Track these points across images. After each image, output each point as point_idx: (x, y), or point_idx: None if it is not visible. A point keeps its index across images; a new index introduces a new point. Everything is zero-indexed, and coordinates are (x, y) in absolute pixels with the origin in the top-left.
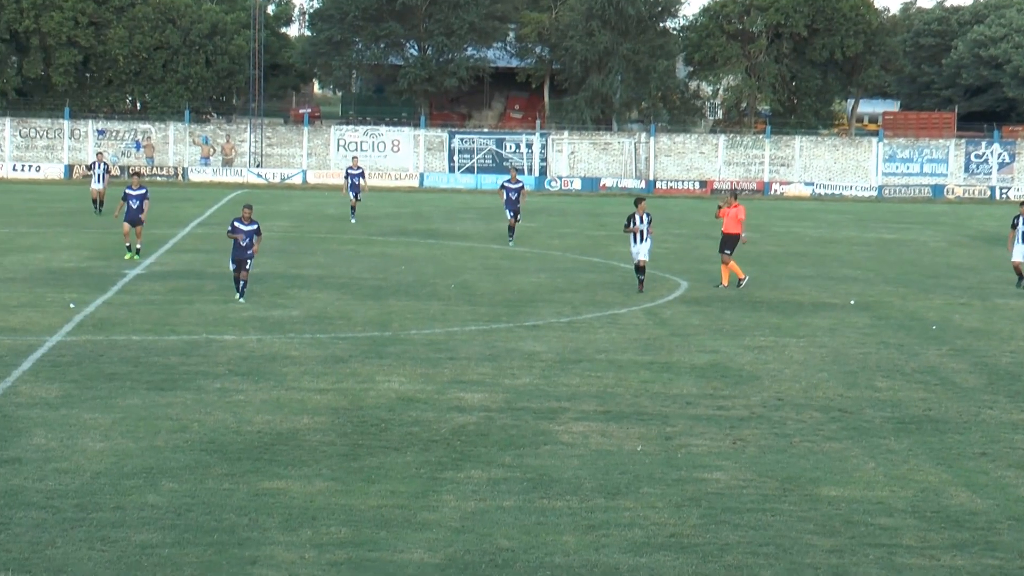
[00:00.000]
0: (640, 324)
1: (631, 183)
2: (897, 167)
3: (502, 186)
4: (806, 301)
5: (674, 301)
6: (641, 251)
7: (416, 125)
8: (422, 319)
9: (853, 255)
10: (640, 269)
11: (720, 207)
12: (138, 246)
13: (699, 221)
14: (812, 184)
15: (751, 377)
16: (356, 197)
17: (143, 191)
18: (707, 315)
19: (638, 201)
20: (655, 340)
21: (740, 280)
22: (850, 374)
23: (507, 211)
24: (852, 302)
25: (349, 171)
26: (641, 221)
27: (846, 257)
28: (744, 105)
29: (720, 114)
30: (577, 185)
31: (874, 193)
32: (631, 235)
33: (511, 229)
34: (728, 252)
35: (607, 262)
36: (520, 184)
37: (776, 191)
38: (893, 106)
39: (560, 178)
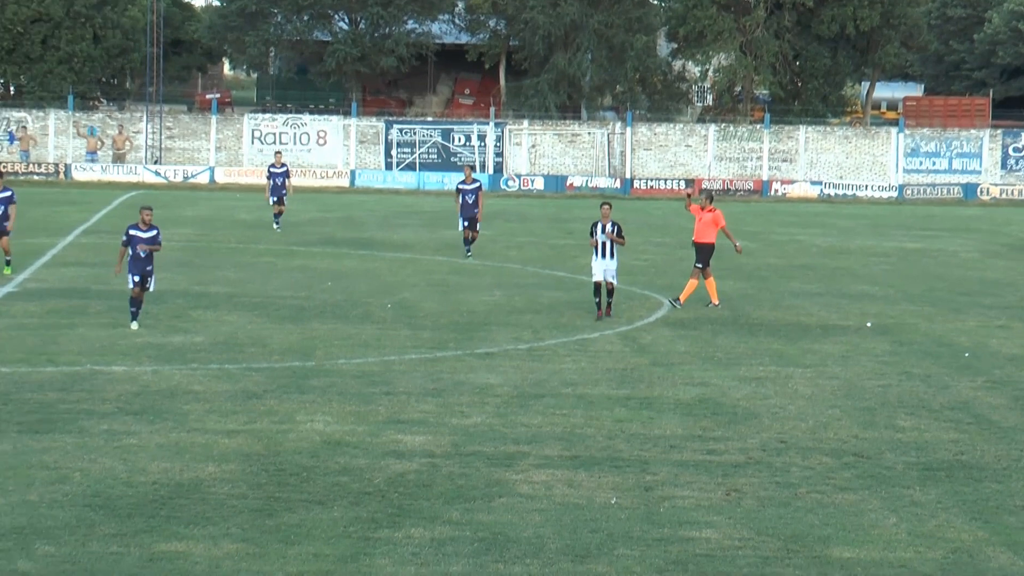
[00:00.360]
0: (615, 351)
1: (604, 182)
2: (921, 163)
3: (457, 188)
4: (813, 323)
5: (655, 323)
6: (603, 269)
7: (346, 113)
8: (353, 346)
9: (869, 268)
10: (603, 291)
11: (689, 196)
12: (8, 258)
13: (685, 228)
14: (820, 183)
15: (748, 415)
16: (280, 201)
17: (8, 193)
18: (695, 340)
19: (602, 205)
20: (633, 370)
21: (711, 303)
22: (867, 411)
23: (460, 219)
24: (868, 325)
25: (272, 170)
26: (602, 231)
27: (861, 271)
28: (738, 89)
29: (710, 100)
30: (539, 185)
31: (894, 194)
32: (594, 248)
33: (467, 241)
34: (700, 266)
35: (575, 277)
36: (477, 184)
37: (777, 191)
38: (916, 90)
39: (519, 176)
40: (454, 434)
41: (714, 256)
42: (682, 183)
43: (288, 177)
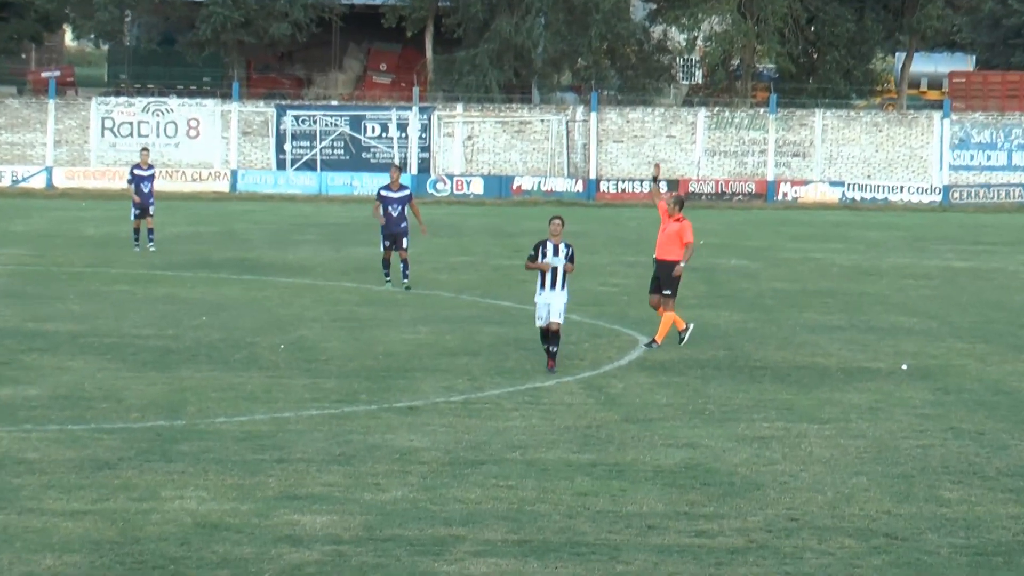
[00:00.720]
0: (576, 404)
1: (561, 184)
2: (972, 157)
3: (379, 195)
4: (833, 366)
5: (628, 367)
6: (551, 305)
7: (226, 96)
8: (234, 399)
9: (905, 294)
10: (550, 336)
11: (655, 179)
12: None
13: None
14: (841, 184)
15: (749, 485)
16: (147, 211)
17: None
18: (680, 389)
19: (552, 220)
20: (599, 428)
21: (681, 332)
22: (902, 479)
23: (382, 238)
24: (904, 367)
25: (136, 172)
26: (556, 253)
27: (894, 297)
28: (736, 63)
29: (699, 77)
30: (477, 188)
31: (937, 198)
32: (538, 276)
33: (386, 264)
34: (667, 293)
35: (523, 308)
36: (406, 192)
37: (786, 195)
38: (965, 64)
39: (451, 178)
40: (367, 513)
41: (710, 279)
42: (663, 185)
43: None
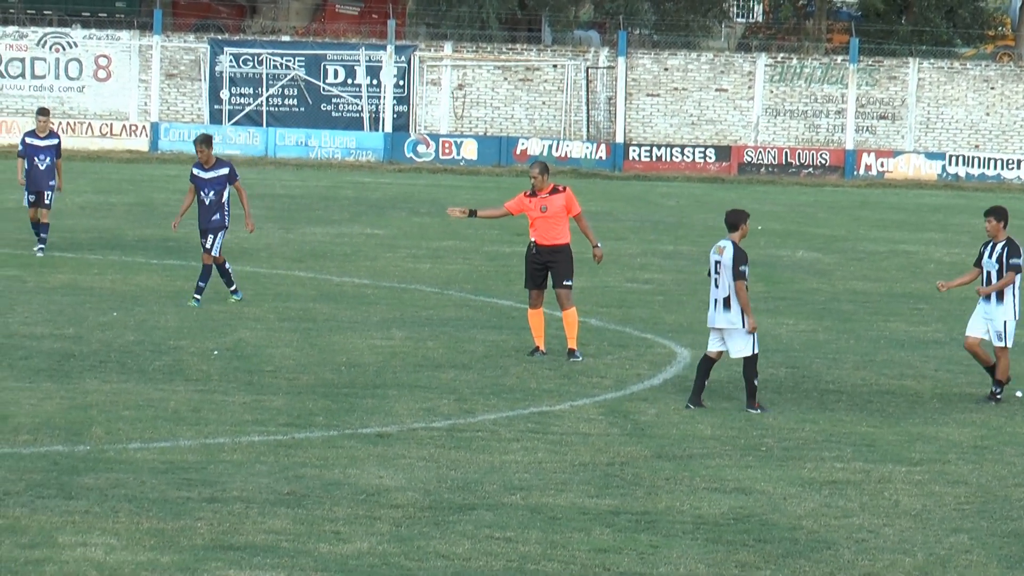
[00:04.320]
0: (595, 434)
1: (578, 149)
2: None
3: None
4: (927, 392)
5: (664, 387)
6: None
7: (145, 28)
8: (153, 420)
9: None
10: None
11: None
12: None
13: (716, 228)
14: (941, 156)
15: (816, 543)
16: (41, 200)
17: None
18: (729, 416)
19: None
20: (624, 466)
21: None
22: (1013, 538)
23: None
24: (1019, 394)
25: (30, 141)
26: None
27: None
28: None
29: (758, 12)
30: (470, 152)
31: None
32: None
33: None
34: (568, 283)
35: (526, 307)
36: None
37: (870, 169)
38: None
39: (436, 138)
40: (323, 569)
41: (769, 276)
42: (711, 153)
43: (58, 155)
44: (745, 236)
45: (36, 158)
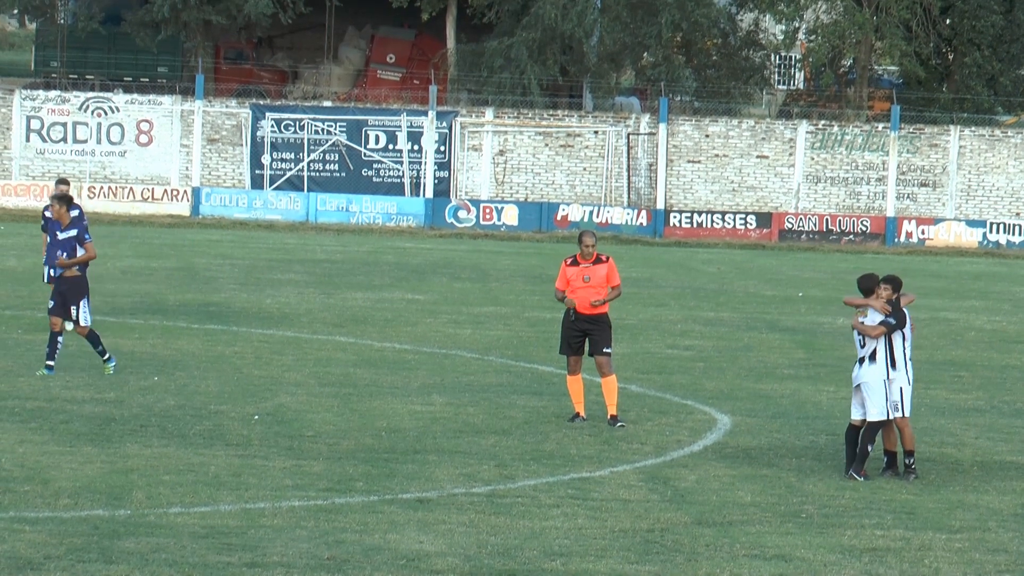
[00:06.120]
0: (635, 500)
1: (619, 215)
2: None
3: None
4: (968, 460)
5: (704, 454)
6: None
7: (187, 92)
8: (193, 484)
9: None
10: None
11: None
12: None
13: (756, 294)
14: (983, 224)
15: None
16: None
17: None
18: (769, 483)
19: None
20: (664, 533)
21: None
22: None
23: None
24: None
25: (49, 216)
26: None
27: None
28: (848, 64)
29: (799, 80)
30: (511, 218)
31: None
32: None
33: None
34: (608, 351)
35: (566, 373)
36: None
37: (911, 236)
38: None
39: (477, 204)
40: None
41: (810, 344)
42: (752, 219)
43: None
44: (880, 299)
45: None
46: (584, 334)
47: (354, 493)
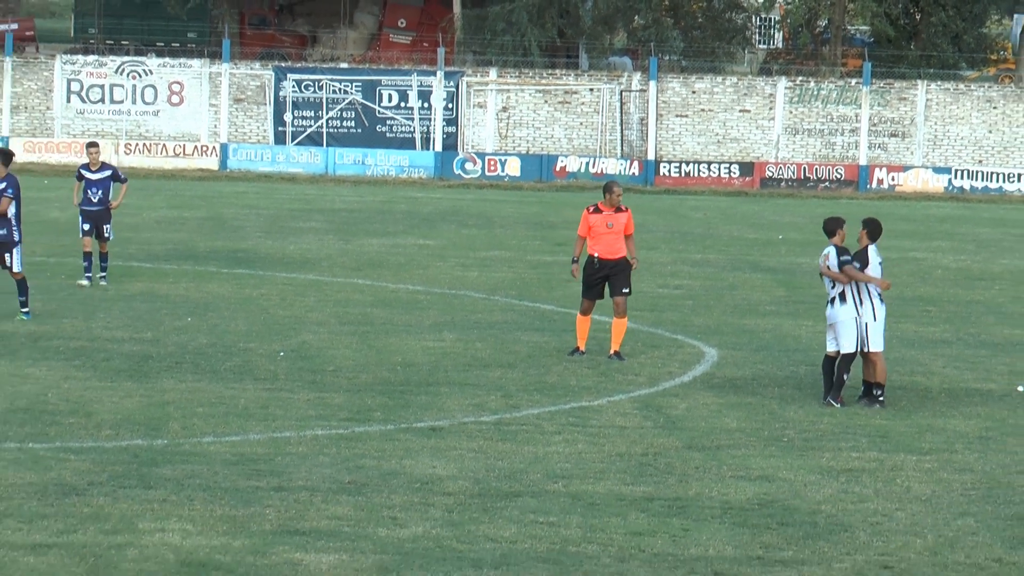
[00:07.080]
0: (630, 427)
1: (613, 166)
2: None
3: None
4: (936, 387)
5: (693, 384)
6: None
7: (215, 56)
8: (224, 416)
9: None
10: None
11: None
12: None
13: (740, 238)
14: (948, 171)
15: (834, 526)
16: (100, 234)
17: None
18: (753, 410)
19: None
20: (657, 456)
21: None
22: (1016, 521)
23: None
24: (1021, 389)
25: (84, 173)
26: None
27: (1010, 307)
28: (823, 24)
29: (778, 40)
30: (514, 169)
31: None
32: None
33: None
34: (627, 291)
35: (567, 311)
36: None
37: (882, 183)
38: None
39: (482, 156)
40: (382, 552)
41: (789, 282)
42: (735, 169)
43: (115, 183)
44: (843, 240)
45: (89, 191)
46: (605, 278)
47: (372, 422)
